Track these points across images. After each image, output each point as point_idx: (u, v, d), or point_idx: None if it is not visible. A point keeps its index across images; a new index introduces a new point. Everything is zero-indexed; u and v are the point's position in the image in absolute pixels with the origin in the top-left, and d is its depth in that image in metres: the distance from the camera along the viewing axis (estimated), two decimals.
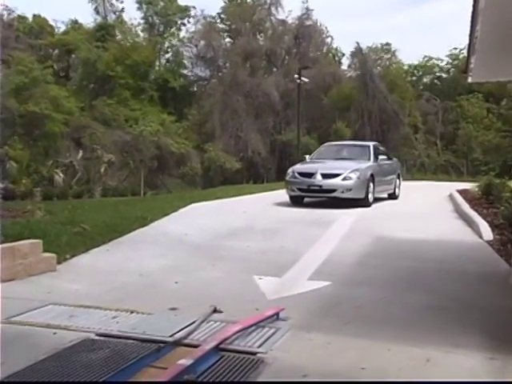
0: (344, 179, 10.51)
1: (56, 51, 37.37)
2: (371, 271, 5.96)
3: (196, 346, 3.58)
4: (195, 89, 39.77)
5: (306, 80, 27.15)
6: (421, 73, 40.26)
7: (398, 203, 12.42)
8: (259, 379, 3.19)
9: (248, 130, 32.59)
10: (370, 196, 10.90)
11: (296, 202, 11.25)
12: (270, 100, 33.63)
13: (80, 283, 5.36)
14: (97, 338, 3.81)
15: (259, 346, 3.69)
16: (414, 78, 40.38)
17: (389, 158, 13.15)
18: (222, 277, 5.74)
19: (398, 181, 13.41)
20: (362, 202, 10.60)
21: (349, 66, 39.15)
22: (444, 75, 39.19)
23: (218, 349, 3.56)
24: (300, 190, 10.94)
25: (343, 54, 41.00)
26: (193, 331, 3.91)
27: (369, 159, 11.70)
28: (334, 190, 10.47)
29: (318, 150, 13.33)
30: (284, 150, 33.04)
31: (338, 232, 8.43)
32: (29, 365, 3.29)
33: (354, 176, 10.55)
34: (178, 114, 34.38)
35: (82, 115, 30.14)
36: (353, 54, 37.15)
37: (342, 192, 10.40)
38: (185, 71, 39.33)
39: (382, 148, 13.49)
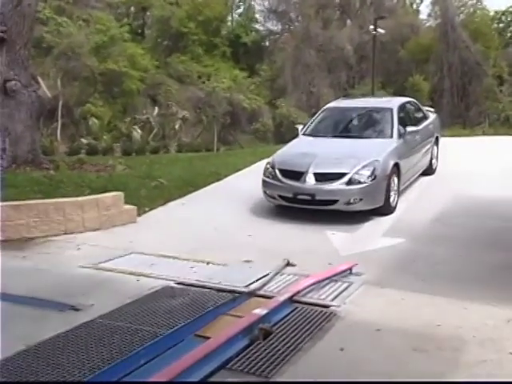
0: (350, 182, 6.45)
1: (132, 9, 38.01)
2: (448, 229, 5.78)
3: (270, 297, 3.69)
4: (267, 43, 39.13)
5: (381, 31, 25.88)
6: (509, 19, 37.24)
7: (479, 159, 11.74)
8: (332, 332, 3.25)
9: (320, 84, 31.86)
10: (393, 198, 6.89)
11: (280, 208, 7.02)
12: (343, 53, 32.57)
13: (159, 234, 5.62)
14: (176, 286, 4.03)
15: (332, 300, 3.74)
16: (502, 25, 37.41)
17: (424, 117, 9.12)
18: (294, 231, 5.80)
19: (435, 148, 9.27)
20: (379, 211, 6.64)
21: (428, 15, 36.88)
22: None
23: (291, 300, 3.65)
24: (283, 198, 6.74)
25: (421, 2, 38.63)
26: (267, 283, 4.02)
27: (391, 135, 7.44)
28: (334, 202, 6.44)
29: (316, 118, 8.53)
30: None
31: (412, 187, 8.19)
32: (116, 308, 3.54)
33: (366, 174, 6.51)
34: (249, 70, 34.19)
35: (157, 72, 30.75)
36: (433, 2, 34.92)
37: (348, 203, 6.40)
38: (256, 25, 38.78)
39: (412, 108, 9.05)
